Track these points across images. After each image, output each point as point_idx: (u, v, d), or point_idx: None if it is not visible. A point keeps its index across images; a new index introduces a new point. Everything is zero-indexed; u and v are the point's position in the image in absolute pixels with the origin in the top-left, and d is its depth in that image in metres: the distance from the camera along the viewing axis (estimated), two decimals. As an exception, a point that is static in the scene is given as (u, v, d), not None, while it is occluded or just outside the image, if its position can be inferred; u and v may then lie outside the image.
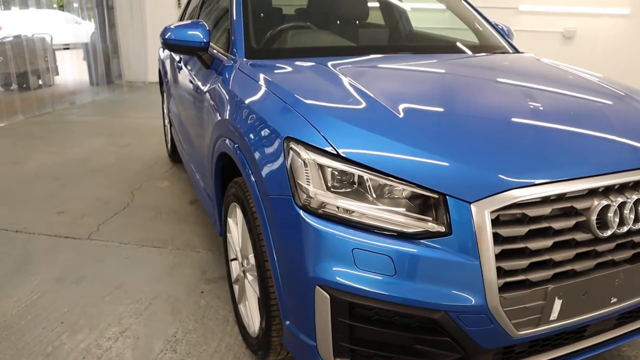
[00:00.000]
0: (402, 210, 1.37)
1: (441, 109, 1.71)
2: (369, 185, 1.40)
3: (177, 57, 3.23)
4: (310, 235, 1.40)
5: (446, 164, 1.38)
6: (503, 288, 1.35)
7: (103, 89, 7.99)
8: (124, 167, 4.32)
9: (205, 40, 2.31)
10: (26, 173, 4.19)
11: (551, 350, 1.55)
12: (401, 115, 1.56)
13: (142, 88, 8.43)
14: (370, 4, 3.08)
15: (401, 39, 2.90)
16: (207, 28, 2.33)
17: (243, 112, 1.77)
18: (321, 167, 1.42)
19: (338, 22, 2.82)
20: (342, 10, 2.88)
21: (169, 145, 4.37)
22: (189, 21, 2.40)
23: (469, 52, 2.55)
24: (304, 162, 1.44)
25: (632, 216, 1.47)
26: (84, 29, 10.87)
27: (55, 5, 8.57)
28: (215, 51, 2.45)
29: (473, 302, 1.33)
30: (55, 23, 9.32)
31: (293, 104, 1.61)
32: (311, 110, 1.57)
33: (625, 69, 7.32)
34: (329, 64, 2.03)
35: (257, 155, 1.59)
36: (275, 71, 1.98)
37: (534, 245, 1.37)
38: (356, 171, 1.39)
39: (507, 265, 1.34)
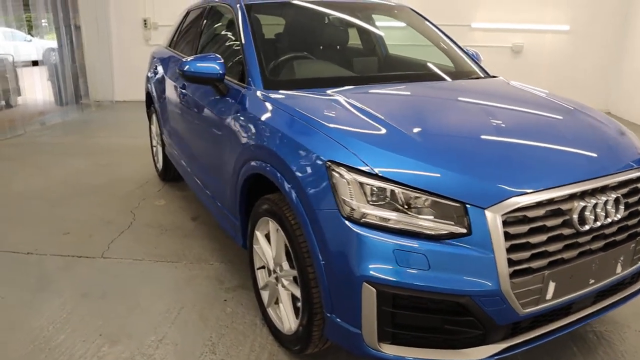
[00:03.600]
0: (431, 217, 1.69)
1: (448, 131, 2.06)
2: (401, 198, 1.71)
3: (179, 83, 3.45)
4: (357, 240, 1.70)
5: (464, 178, 1.72)
6: (512, 275, 1.69)
7: (72, 108, 7.98)
8: (115, 187, 4.45)
9: (221, 72, 2.57)
10: (13, 196, 4.26)
11: (547, 324, 1.91)
12: (418, 139, 1.89)
13: (110, 107, 8.47)
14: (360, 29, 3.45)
15: (393, 67, 3.25)
16: (222, 61, 2.59)
17: (280, 139, 2.04)
18: (361, 184, 1.73)
19: (333, 50, 3.15)
20: (334, 37, 3.21)
21: (160, 165, 4.54)
22: (205, 54, 2.66)
23: (453, 78, 2.91)
24: (347, 181, 1.74)
25: (603, 214, 1.86)
26: (34, 47, 10.71)
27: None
28: (229, 81, 2.71)
29: (490, 287, 1.67)
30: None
31: (328, 132, 1.91)
32: (345, 136, 1.87)
33: (566, 79, 8.03)
34: (343, 94, 2.34)
35: (300, 176, 1.87)
36: (301, 102, 2.27)
37: (533, 239, 1.73)
38: (391, 187, 1.71)
39: (515, 256, 1.69)
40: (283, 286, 2.21)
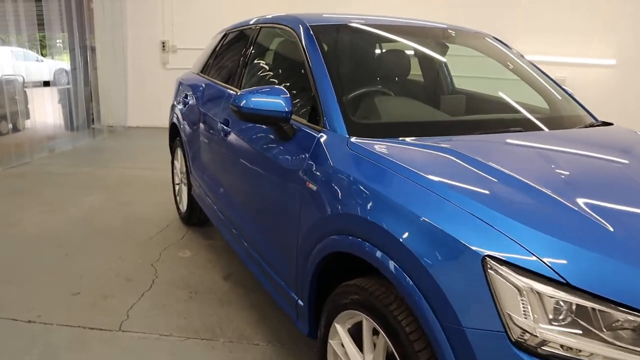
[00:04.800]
0: (649, 350, 1.11)
1: (633, 212, 1.47)
2: (599, 319, 1.13)
3: (219, 117, 2.90)
4: (540, 385, 1.11)
5: None
6: None
7: (83, 134, 7.47)
8: (133, 231, 3.88)
9: (287, 110, 2.03)
10: (22, 238, 3.69)
11: None
12: (608, 226, 1.30)
13: (123, 133, 7.94)
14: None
15: (486, 108, 2.67)
16: (288, 96, 2.05)
17: (394, 213, 1.45)
18: (540, 295, 1.15)
19: (410, 84, 2.61)
20: (406, 68, 2.67)
21: (184, 207, 3.97)
22: (265, 87, 2.11)
23: (569, 126, 2.34)
24: (518, 289, 1.16)
25: None
26: (46, 67, 10.26)
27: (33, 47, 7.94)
28: (295, 122, 2.15)
29: None
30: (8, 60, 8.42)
31: (474, 210, 1.33)
32: (504, 219, 1.28)
33: (613, 115, 7.50)
34: (462, 147, 1.76)
35: (433, 271, 1.29)
36: (410, 157, 1.70)
37: None
38: (587, 303, 1.13)
39: None
40: (379, 409, 1.60)
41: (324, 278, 1.88)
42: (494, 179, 1.52)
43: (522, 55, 3.01)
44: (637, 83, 7.48)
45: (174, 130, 4.12)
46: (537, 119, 2.31)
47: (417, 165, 1.58)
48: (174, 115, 4.04)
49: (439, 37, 2.96)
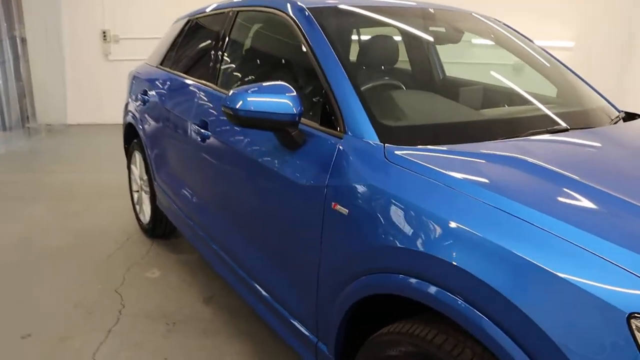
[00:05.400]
0: None
1: None
2: None
3: (194, 119, 2.46)
4: None
5: None
6: None
7: (17, 134, 6.68)
8: (87, 248, 3.37)
9: (296, 111, 1.64)
10: (-50, 268, 3.11)
11: None
12: None
13: (63, 132, 7.18)
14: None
15: (510, 102, 2.37)
16: (296, 94, 1.67)
17: (479, 252, 1.10)
18: None
19: (420, 75, 2.28)
20: (413, 56, 2.35)
21: (146, 218, 3.49)
22: (266, 84, 1.71)
23: (601, 120, 2.08)
24: (685, 359, 0.86)
25: None
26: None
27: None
28: (304, 125, 1.76)
29: None
30: None
31: (590, 244, 1.00)
32: (636, 258, 0.98)
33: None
34: (535, 156, 1.41)
35: (554, 336, 0.95)
36: (479, 171, 1.33)
37: None
38: None
39: None
40: None
41: (353, 319, 1.54)
42: (593, 199, 1.20)
43: (530, 40, 2.75)
44: (596, 66, 7.51)
45: (130, 131, 3.62)
46: (571, 114, 2.04)
47: (491, 183, 1.24)
48: (130, 114, 3.53)
49: (453, 21, 2.66)
